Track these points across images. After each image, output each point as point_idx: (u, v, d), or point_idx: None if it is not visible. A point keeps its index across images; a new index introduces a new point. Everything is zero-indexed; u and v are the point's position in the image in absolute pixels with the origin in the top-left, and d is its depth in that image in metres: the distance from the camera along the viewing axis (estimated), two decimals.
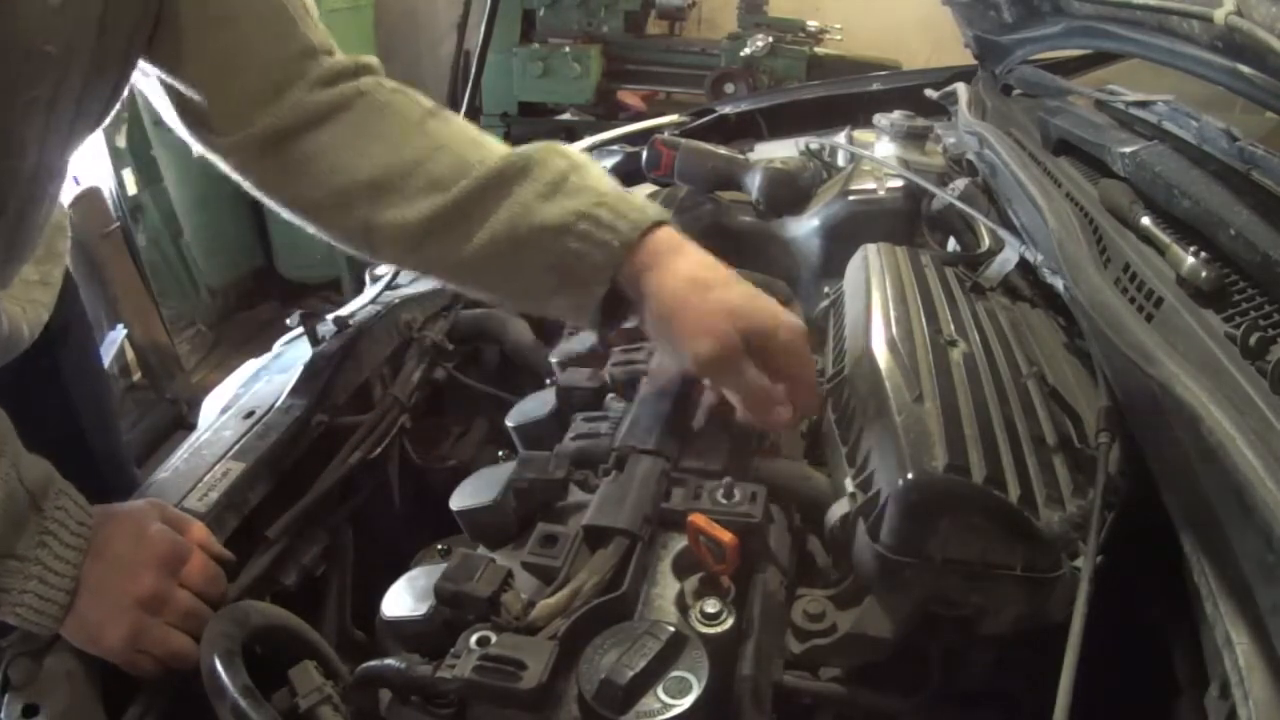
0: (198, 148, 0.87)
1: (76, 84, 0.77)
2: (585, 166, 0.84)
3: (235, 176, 0.87)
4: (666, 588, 0.69)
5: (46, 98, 0.75)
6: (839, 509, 0.69)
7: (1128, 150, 0.97)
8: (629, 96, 4.48)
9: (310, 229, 0.88)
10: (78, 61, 0.75)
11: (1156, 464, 0.69)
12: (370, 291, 1.27)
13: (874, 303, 0.88)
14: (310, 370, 1.04)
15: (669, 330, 0.78)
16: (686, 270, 0.79)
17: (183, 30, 0.79)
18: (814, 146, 1.50)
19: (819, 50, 4.16)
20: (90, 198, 2.67)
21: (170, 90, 0.84)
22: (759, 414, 0.78)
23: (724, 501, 0.72)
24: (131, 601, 0.70)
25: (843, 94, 2.05)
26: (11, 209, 0.83)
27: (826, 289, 1.07)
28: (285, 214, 0.87)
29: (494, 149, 0.85)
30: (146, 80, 0.85)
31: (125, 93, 0.85)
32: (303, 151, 0.83)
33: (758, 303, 0.79)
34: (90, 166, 2.70)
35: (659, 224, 0.81)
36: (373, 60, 0.89)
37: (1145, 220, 0.87)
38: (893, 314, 0.85)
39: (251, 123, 0.82)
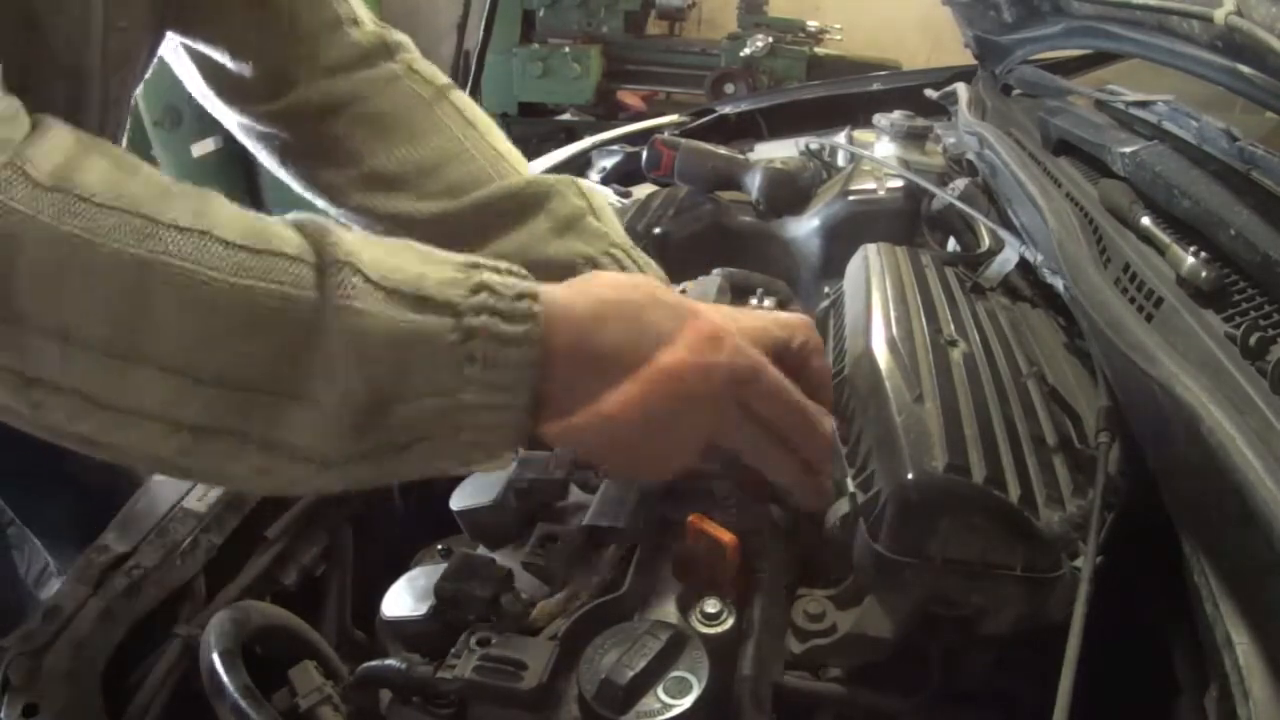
0: (223, 117, 0.87)
1: (141, 64, 0.78)
2: (602, 210, 0.85)
3: (253, 146, 0.88)
4: (666, 588, 0.69)
5: (134, 73, 0.76)
6: (839, 509, 0.69)
7: (1128, 150, 0.97)
8: (629, 96, 4.49)
9: (317, 203, 0.88)
10: (145, 38, 0.76)
11: (1156, 464, 0.69)
12: None
13: (874, 303, 0.88)
14: None
15: None
16: None
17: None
18: (814, 146, 1.50)
19: (819, 50, 4.17)
20: None
21: (200, 58, 0.84)
22: None
23: (724, 502, 0.72)
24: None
25: (843, 94, 2.05)
26: None
27: (826, 289, 1.07)
28: (295, 185, 0.88)
29: (517, 167, 0.86)
30: (172, 52, 0.85)
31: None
32: (326, 132, 0.84)
33: (770, 318, 0.76)
34: None
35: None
36: (404, 39, 0.89)
37: (1145, 220, 0.87)
38: (893, 314, 0.85)
39: (279, 95, 0.82)
